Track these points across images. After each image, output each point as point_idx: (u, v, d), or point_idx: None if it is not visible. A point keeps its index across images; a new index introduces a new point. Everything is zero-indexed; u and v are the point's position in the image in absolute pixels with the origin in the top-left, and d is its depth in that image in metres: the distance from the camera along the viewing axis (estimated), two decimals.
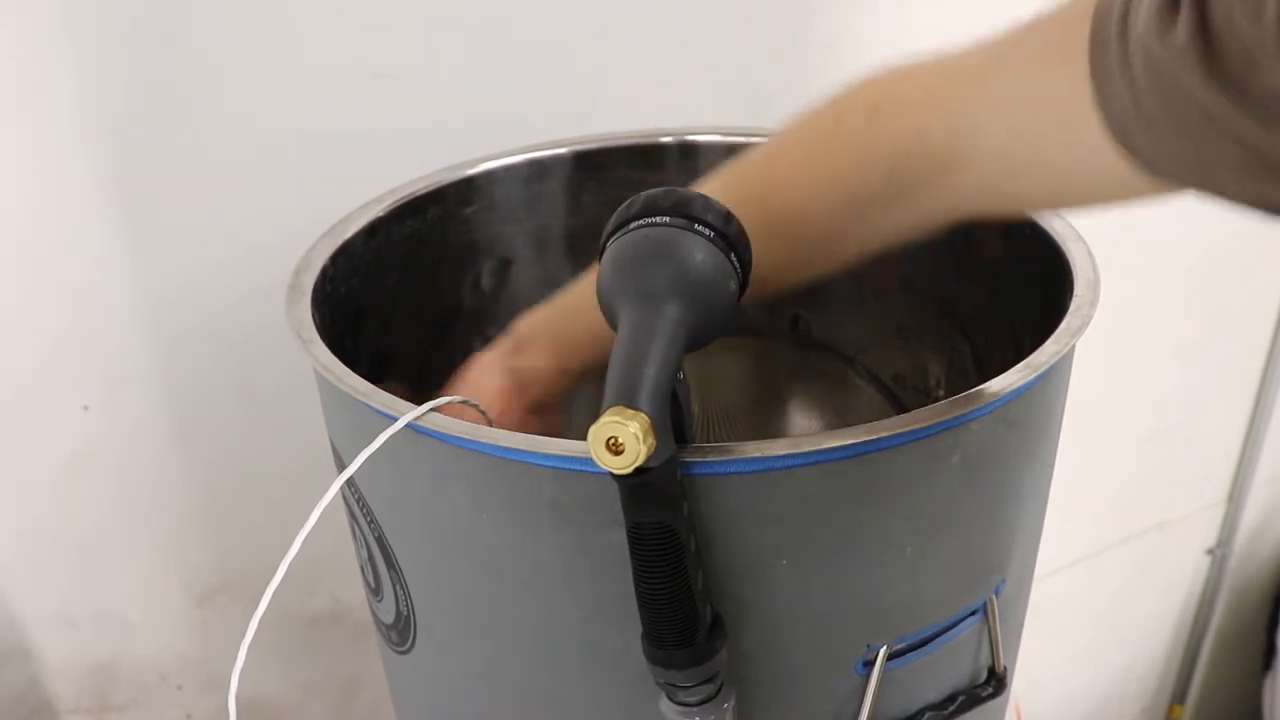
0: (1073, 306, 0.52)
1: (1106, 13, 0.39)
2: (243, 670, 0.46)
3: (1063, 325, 0.51)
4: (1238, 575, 1.60)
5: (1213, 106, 0.36)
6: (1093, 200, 0.46)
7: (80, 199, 0.72)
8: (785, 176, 0.54)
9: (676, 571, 0.42)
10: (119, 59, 0.69)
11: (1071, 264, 0.56)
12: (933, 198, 0.49)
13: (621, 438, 0.38)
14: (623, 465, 0.39)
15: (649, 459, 0.39)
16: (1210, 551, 1.56)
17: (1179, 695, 1.67)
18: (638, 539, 0.41)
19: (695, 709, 0.44)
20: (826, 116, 0.52)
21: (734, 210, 0.46)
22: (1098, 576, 1.45)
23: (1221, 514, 1.53)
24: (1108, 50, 0.39)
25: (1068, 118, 0.41)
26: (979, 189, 0.48)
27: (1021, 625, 0.61)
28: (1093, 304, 0.52)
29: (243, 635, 0.45)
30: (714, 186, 0.54)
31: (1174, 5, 0.36)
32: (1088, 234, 0.59)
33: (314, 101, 0.75)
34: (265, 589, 0.45)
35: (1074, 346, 0.50)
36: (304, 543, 0.45)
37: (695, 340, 0.43)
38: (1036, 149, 0.44)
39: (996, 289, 0.67)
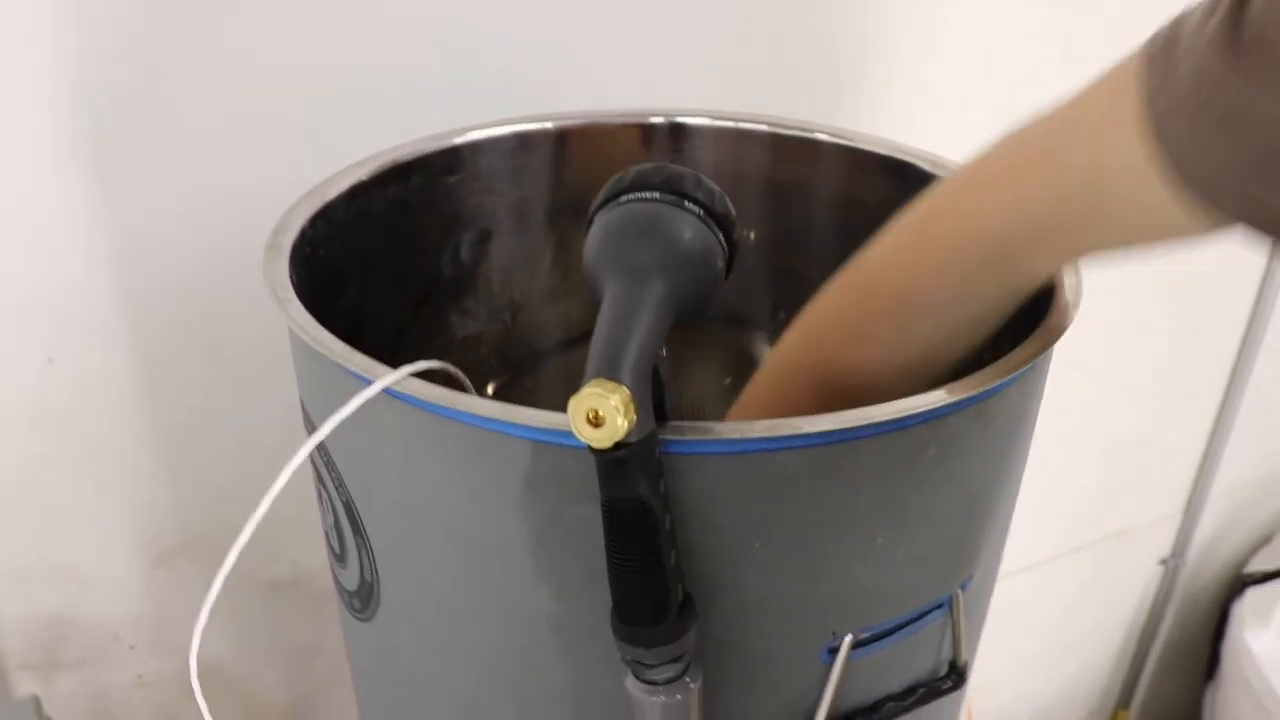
0: (1056, 306, 0.52)
1: (1154, 42, 0.41)
2: (199, 635, 0.45)
3: (1046, 323, 0.51)
4: (1189, 586, 1.62)
5: (1236, 92, 0.36)
6: (1156, 241, 0.45)
7: (51, 147, 0.70)
8: (886, 283, 0.54)
9: (650, 549, 0.41)
10: (94, 6, 0.68)
11: None
12: (1030, 273, 0.51)
13: (602, 410, 0.38)
14: (602, 439, 0.38)
15: (629, 433, 0.38)
16: (1163, 562, 1.58)
17: (1125, 701, 1.69)
18: (612, 515, 0.41)
19: (661, 688, 0.44)
20: (912, 223, 0.53)
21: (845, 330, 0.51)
22: (1054, 581, 1.47)
23: (1176, 526, 1.56)
24: (1155, 72, 0.40)
25: (1130, 166, 0.41)
26: (1070, 247, 0.49)
27: (984, 622, 0.62)
28: (1075, 306, 0.53)
29: (199, 598, 0.45)
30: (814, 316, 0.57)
31: (1214, 4, 0.37)
32: None
33: (296, 61, 0.74)
34: (224, 552, 0.44)
35: (1054, 346, 0.51)
36: (266, 507, 0.44)
37: (680, 317, 0.43)
38: (1107, 209, 0.45)
39: None
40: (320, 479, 0.55)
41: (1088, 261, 0.51)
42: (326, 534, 0.58)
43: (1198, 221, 0.41)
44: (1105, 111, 0.43)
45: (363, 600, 0.55)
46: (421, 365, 0.46)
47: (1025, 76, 1.00)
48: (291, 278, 0.53)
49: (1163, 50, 0.40)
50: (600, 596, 0.43)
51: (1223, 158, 0.38)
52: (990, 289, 0.52)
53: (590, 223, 0.45)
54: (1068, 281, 0.55)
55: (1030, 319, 0.53)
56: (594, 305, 0.43)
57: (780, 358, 0.60)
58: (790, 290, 0.77)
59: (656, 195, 0.44)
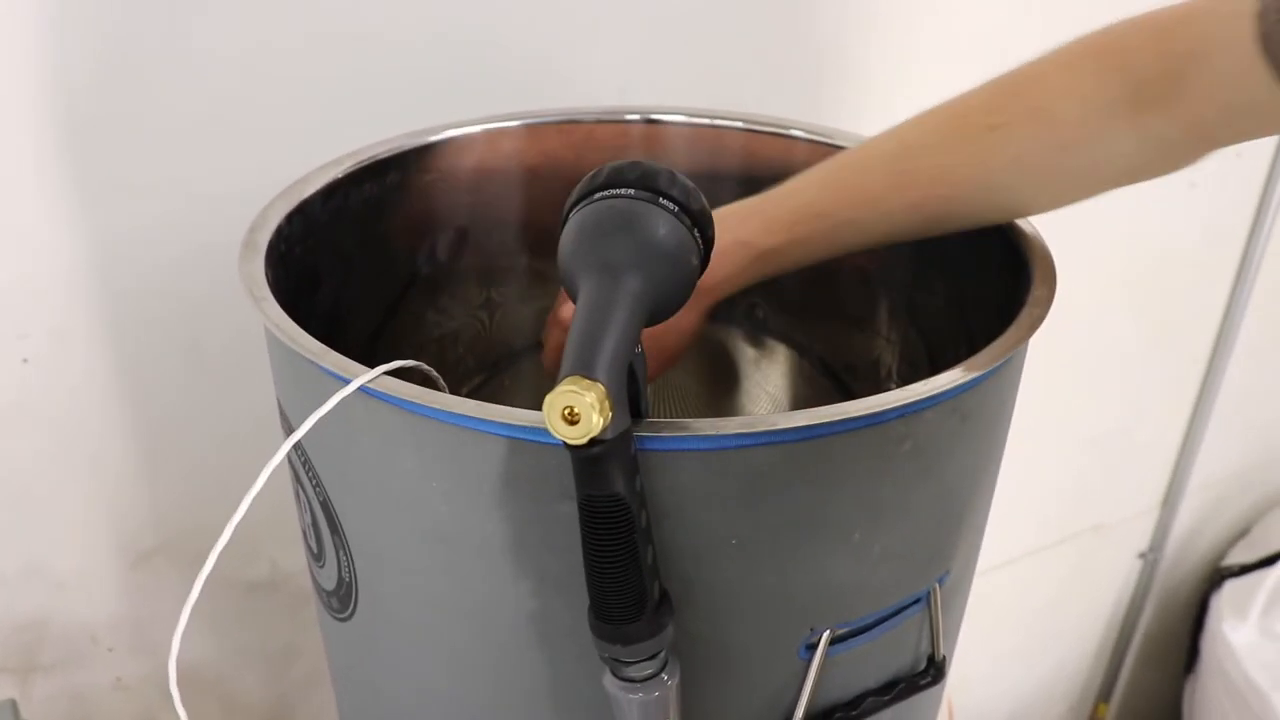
0: (1031, 300, 0.53)
1: None
2: (179, 638, 0.45)
3: (1020, 317, 0.51)
4: (1167, 580, 1.63)
5: None
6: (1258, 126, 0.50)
7: (27, 145, 0.70)
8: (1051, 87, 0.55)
9: (626, 546, 0.41)
10: (73, 6, 0.67)
11: (1030, 262, 0.57)
12: (1163, 118, 0.52)
13: (578, 407, 0.38)
14: (578, 436, 0.38)
15: (604, 430, 0.38)
16: (1142, 555, 1.59)
17: (1105, 694, 1.70)
18: (589, 511, 0.41)
19: (639, 685, 0.44)
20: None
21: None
22: (1034, 576, 1.48)
23: (1155, 519, 1.56)
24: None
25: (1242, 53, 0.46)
26: (1189, 111, 0.51)
27: (962, 617, 0.62)
28: (1049, 301, 0.53)
29: (178, 600, 0.45)
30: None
31: None
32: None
33: (273, 60, 0.74)
34: (203, 553, 0.44)
35: (1029, 341, 0.51)
36: (246, 507, 0.44)
37: (655, 314, 0.43)
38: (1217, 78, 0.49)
39: (953, 284, 0.68)
40: (298, 478, 0.55)
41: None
42: (304, 533, 0.58)
43: None
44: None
45: (341, 600, 0.55)
46: (397, 364, 0.46)
47: (1000, 68, 1.00)
48: (268, 276, 0.53)
49: None
50: (578, 594, 0.43)
51: None
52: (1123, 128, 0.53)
53: (565, 220, 0.45)
54: (1044, 276, 0.55)
55: (1005, 314, 0.53)
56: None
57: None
58: (766, 286, 0.77)
59: (631, 192, 0.44)
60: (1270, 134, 0.51)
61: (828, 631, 0.49)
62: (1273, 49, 0.46)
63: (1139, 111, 0.51)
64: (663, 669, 0.44)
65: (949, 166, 0.57)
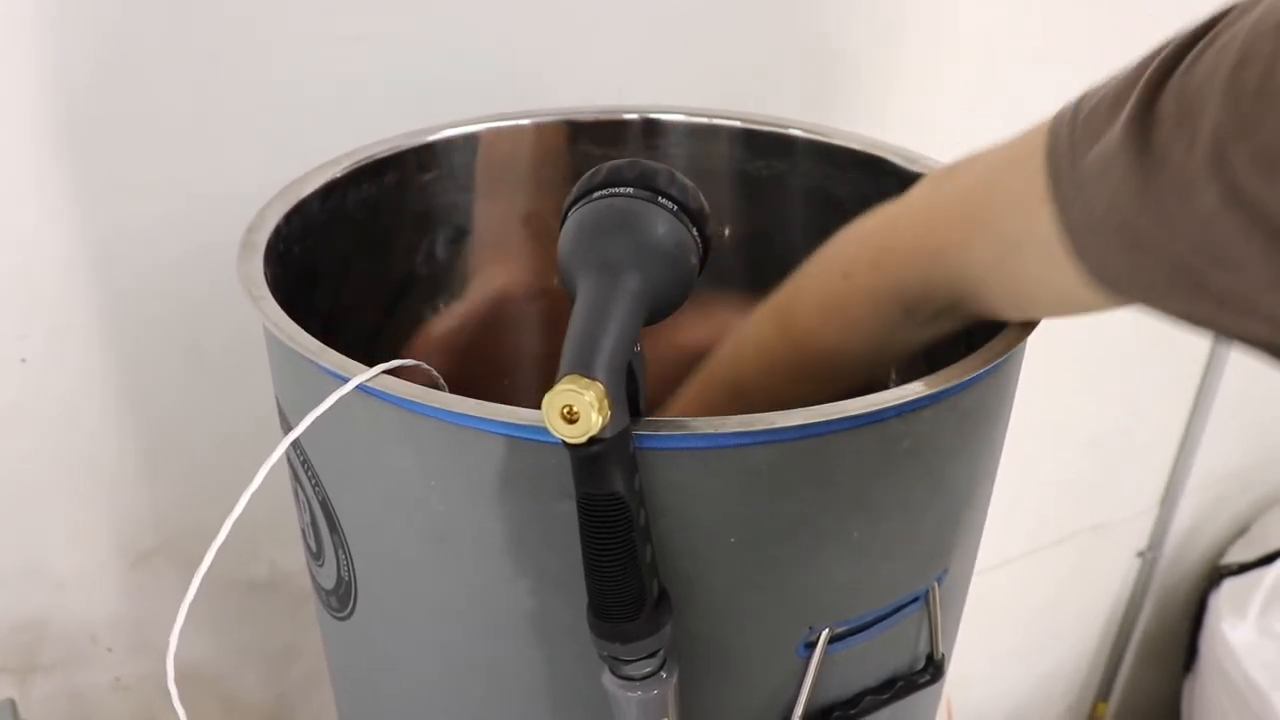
0: None
1: (1057, 137, 0.43)
2: (177, 635, 0.45)
3: None
4: (1166, 578, 1.64)
5: (1147, 227, 0.38)
6: (1071, 313, 0.49)
7: (25, 144, 0.70)
8: (809, 328, 0.58)
9: (625, 544, 0.41)
10: (73, 5, 0.67)
11: None
12: (949, 321, 0.54)
13: (576, 406, 0.38)
14: (577, 434, 0.38)
15: (603, 429, 0.38)
16: (1141, 554, 1.59)
17: (1104, 693, 1.70)
18: (587, 510, 0.41)
19: (638, 683, 0.44)
20: (835, 272, 0.57)
21: (765, 363, 0.56)
22: (1033, 575, 1.48)
23: (1153, 518, 1.57)
24: (1062, 175, 0.42)
25: (1039, 247, 0.44)
26: (986, 311, 0.52)
27: (960, 615, 0.62)
28: None
29: (178, 600, 0.45)
30: (740, 343, 0.61)
31: (1121, 128, 0.39)
32: None
33: (272, 60, 0.74)
34: (203, 552, 0.44)
35: (1027, 339, 0.51)
36: (244, 508, 0.44)
37: (654, 313, 0.43)
38: (1019, 279, 0.48)
39: None
40: (296, 477, 0.55)
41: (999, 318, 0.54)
42: (303, 532, 0.58)
43: (1108, 302, 0.44)
44: (1018, 204, 0.45)
45: (340, 599, 0.55)
46: (396, 363, 0.46)
47: (1000, 69, 1.01)
48: (266, 275, 0.53)
49: (1068, 150, 0.42)
50: (577, 592, 0.43)
51: (1135, 272, 0.41)
52: (907, 337, 0.56)
53: (564, 219, 0.45)
54: None
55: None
56: (569, 302, 0.43)
57: (706, 374, 0.64)
58: (765, 286, 0.77)
59: (630, 190, 0.44)
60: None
61: (826, 630, 0.49)
62: (1086, 250, 0.42)
63: (922, 328, 0.54)
64: (661, 667, 0.44)
65: (781, 394, 0.59)
